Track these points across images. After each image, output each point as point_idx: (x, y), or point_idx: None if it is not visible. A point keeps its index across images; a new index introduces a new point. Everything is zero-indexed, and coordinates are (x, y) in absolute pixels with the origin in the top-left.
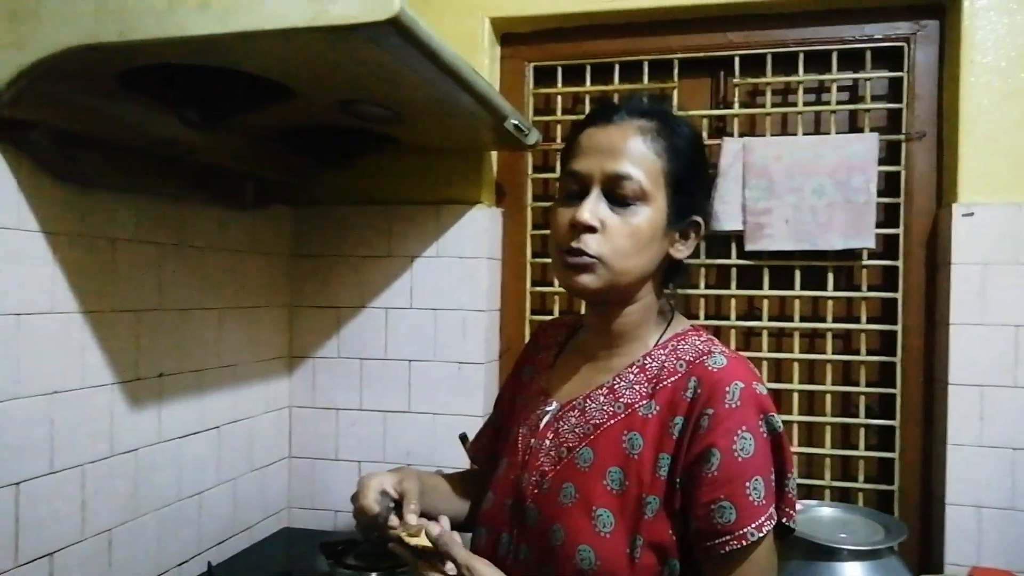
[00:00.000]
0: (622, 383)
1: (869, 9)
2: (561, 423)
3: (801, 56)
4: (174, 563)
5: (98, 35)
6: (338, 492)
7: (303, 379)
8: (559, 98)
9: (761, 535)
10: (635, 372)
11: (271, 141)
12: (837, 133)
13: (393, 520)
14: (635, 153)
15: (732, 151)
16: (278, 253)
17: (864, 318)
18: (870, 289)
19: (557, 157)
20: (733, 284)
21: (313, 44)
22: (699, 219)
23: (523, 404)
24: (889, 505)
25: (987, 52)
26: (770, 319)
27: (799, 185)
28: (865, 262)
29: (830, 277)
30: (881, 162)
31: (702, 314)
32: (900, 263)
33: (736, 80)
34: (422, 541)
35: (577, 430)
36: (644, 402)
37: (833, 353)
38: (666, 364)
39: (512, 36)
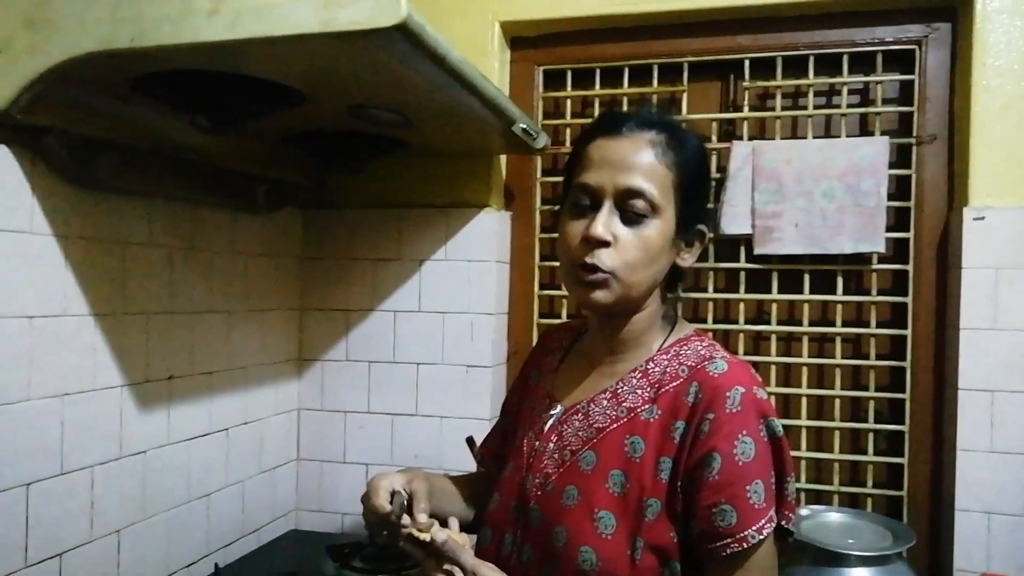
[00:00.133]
0: (625, 388)
1: (880, 12)
2: (565, 426)
3: (811, 59)
4: (182, 564)
5: (112, 42)
6: (346, 495)
7: (312, 382)
8: (568, 101)
9: (761, 537)
10: (638, 377)
11: (282, 145)
12: (847, 136)
13: (404, 519)
14: (647, 167)
15: (742, 154)
16: (288, 256)
17: (874, 322)
18: (880, 293)
19: (566, 161)
20: (742, 288)
21: (323, 50)
22: (704, 228)
23: (529, 408)
24: (898, 510)
25: (999, 55)
26: (779, 323)
27: (809, 189)
28: (875, 266)
29: (840, 281)
30: (891, 165)
31: (711, 318)
32: (910, 267)
33: (746, 83)
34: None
35: (580, 433)
36: (646, 406)
37: (842, 357)
38: (668, 369)
39: (521, 40)
